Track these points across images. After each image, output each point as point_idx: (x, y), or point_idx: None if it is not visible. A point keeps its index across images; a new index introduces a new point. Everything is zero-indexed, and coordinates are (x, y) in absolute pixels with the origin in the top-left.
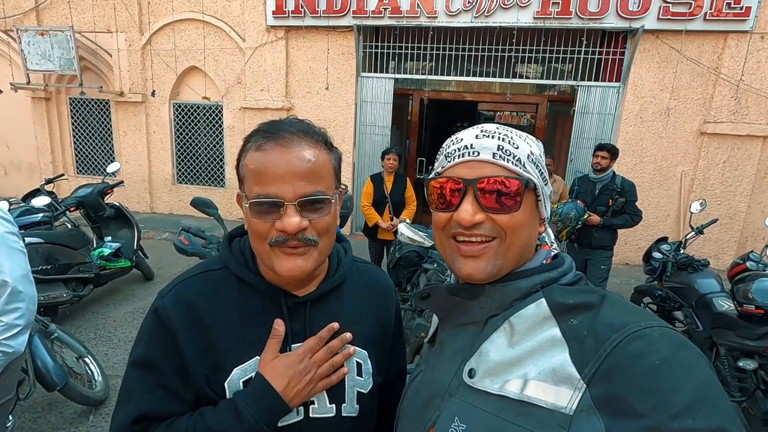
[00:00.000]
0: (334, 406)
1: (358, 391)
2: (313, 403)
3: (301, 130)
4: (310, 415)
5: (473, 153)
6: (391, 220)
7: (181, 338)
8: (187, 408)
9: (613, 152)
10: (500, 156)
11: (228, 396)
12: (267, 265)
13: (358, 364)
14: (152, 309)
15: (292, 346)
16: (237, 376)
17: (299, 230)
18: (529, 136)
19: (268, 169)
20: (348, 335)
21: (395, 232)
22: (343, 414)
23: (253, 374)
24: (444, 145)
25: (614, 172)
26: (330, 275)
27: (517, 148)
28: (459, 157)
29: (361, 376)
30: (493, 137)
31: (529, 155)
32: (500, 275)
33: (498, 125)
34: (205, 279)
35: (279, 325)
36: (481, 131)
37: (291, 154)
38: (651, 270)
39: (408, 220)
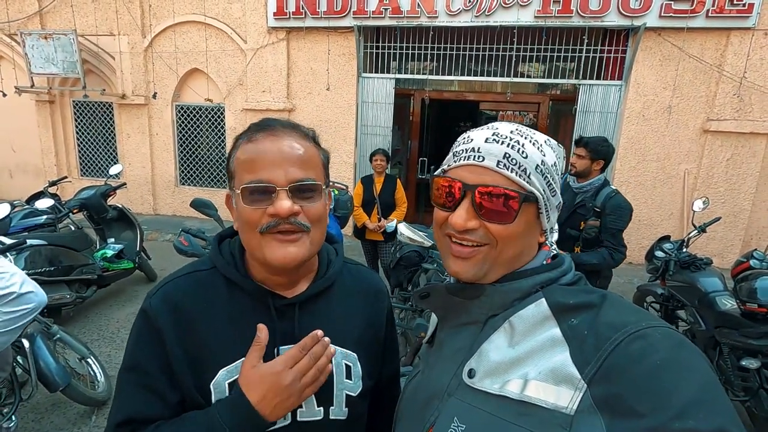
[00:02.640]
0: (321, 409)
1: (346, 394)
2: (300, 407)
3: (291, 125)
4: (298, 419)
5: (478, 158)
6: (379, 221)
7: (168, 338)
8: (172, 411)
9: (594, 150)
10: (504, 165)
11: (213, 397)
12: (258, 258)
13: (347, 367)
14: (141, 309)
15: (281, 348)
16: (223, 377)
17: (291, 214)
18: (550, 140)
19: (260, 156)
20: (327, 340)
21: (384, 233)
22: (331, 417)
23: (238, 376)
24: (457, 141)
25: (606, 182)
26: (320, 276)
27: (526, 157)
28: (464, 159)
29: (350, 379)
30: (502, 143)
31: (537, 165)
32: (488, 279)
33: (517, 127)
34: (193, 279)
35: (261, 331)
36: (493, 134)
37: (282, 142)
38: (653, 269)
39: (395, 221)
